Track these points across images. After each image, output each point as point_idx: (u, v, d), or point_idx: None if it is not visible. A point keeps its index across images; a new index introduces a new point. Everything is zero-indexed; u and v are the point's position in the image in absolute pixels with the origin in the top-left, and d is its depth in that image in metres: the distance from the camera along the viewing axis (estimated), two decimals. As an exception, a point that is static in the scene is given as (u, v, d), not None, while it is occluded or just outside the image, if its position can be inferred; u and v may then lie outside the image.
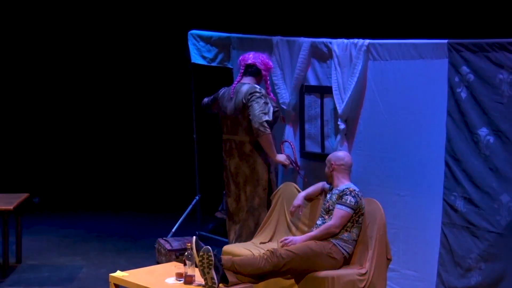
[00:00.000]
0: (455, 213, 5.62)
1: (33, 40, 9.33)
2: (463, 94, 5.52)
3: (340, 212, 5.28)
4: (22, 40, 9.29)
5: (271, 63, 6.33)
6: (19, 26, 9.23)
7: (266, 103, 6.08)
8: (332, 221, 5.29)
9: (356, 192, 5.33)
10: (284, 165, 6.20)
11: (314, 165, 6.48)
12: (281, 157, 6.14)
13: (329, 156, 5.59)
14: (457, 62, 5.52)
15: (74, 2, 9.27)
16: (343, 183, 5.43)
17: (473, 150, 5.48)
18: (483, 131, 5.43)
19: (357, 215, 5.31)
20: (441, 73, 5.61)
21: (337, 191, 5.40)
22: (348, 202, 5.29)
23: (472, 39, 5.49)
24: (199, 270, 4.80)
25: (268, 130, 6.03)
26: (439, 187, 5.68)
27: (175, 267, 5.10)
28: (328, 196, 5.48)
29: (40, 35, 9.34)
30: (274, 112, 6.11)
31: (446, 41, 5.58)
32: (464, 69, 5.49)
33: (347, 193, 5.32)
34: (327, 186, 5.64)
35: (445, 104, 5.62)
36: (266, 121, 6.02)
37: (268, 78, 6.33)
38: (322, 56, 6.38)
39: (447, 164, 5.64)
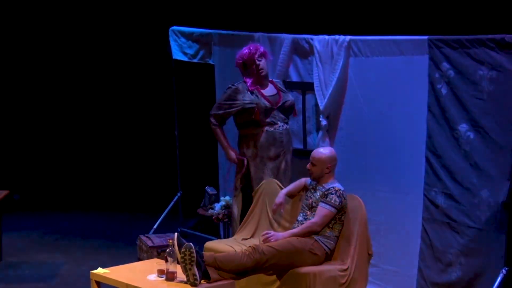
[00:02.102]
0: (436, 209, 5.65)
1: (17, 38, 9.28)
2: (444, 90, 5.55)
3: (324, 211, 5.28)
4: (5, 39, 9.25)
5: (240, 55, 6.13)
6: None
7: (231, 98, 6.06)
8: (315, 219, 5.28)
9: (341, 192, 5.32)
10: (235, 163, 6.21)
11: (296, 161, 6.49)
12: (231, 155, 6.15)
13: (319, 156, 5.39)
14: (438, 58, 5.55)
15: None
16: (330, 181, 5.40)
17: (453, 146, 5.51)
18: (463, 127, 5.46)
19: (340, 213, 5.32)
20: (422, 69, 5.64)
21: (322, 188, 5.39)
22: (333, 201, 5.28)
23: (452, 35, 5.53)
24: (181, 266, 4.79)
25: (213, 125, 6.12)
26: (420, 182, 5.71)
27: (156, 263, 5.09)
28: (311, 192, 5.48)
29: (21, 31, 9.29)
30: (247, 109, 6.05)
31: (426, 37, 5.61)
32: (445, 65, 5.52)
33: (333, 192, 5.31)
34: (308, 181, 5.63)
35: (426, 100, 5.65)
36: (214, 114, 6.11)
37: (244, 70, 6.14)
38: (304, 52, 6.40)
39: (427, 160, 5.67)
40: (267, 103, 6.08)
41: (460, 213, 5.51)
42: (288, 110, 6.16)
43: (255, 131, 6.13)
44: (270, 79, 6.23)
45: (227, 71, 7.10)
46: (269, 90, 6.16)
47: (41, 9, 9.24)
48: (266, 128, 6.09)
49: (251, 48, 6.12)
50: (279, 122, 6.11)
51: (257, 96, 6.10)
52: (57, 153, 9.54)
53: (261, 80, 6.13)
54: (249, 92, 6.09)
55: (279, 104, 6.11)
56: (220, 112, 6.11)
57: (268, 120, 6.09)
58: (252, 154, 6.12)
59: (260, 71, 6.08)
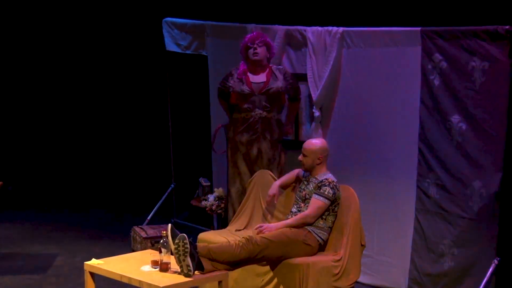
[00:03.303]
0: (428, 199, 5.67)
1: (14, 34, 9.26)
2: (436, 81, 5.57)
3: (317, 202, 5.28)
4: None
5: (244, 37, 6.27)
6: None
7: (225, 78, 6.31)
8: (308, 211, 5.29)
9: (335, 184, 5.32)
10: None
11: (289, 152, 6.51)
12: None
13: (310, 147, 5.40)
14: (430, 50, 5.56)
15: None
16: (322, 173, 5.41)
17: (445, 137, 5.53)
18: (455, 118, 5.48)
19: (333, 204, 5.33)
20: (415, 61, 5.65)
21: (315, 180, 5.39)
22: (326, 193, 5.28)
23: (445, 26, 5.54)
24: (174, 257, 4.80)
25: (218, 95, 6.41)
26: (413, 173, 5.73)
27: (150, 254, 5.10)
28: (304, 183, 5.48)
29: (17, 27, 9.27)
30: (230, 93, 6.23)
31: (419, 28, 5.62)
32: (437, 56, 5.53)
33: (326, 184, 5.31)
34: (301, 173, 5.64)
35: (419, 91, 5.66)
36: (218, 87, 6.38)
37: (244, 53, 6.22)
38: (297, 43, 6.40)
39: (420, 151, 5.69)
40: (246, 89, 6.11)
41: (453, 204, 5.53)
42: (273, 98, 6.13)
43: (236, 116, 6.22)
44: (271, 65, 6.23)
45: (220, 62, 7.10)
46: (259, 77, 6.17)
47: (36, 2, 9.23)
48: (244, 114, 6.13)
49: (255, 33, 6.21)
50: (256, 109, 6.12)
51: (241, 81, 6.12)
52: (51, 146, 9.53)
53: (254, 66, 6.15)
54: (236, 77, 6.14)
55: (263, 91, 6.11)
56: (219, 86, 6.37)
57: (245, 106, 6.12)
58: (231, 137, 6.23)
59: (254, 55, 6.11)
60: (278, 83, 6.13)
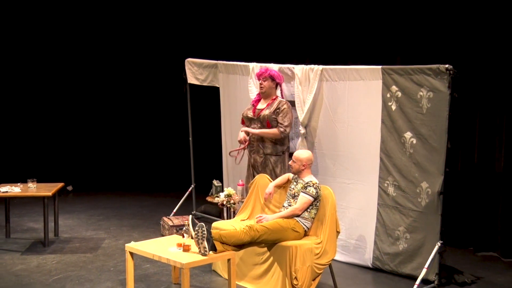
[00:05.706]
0: (387, 196, 5.67)
1: (66, 43, 9.26)
2: (393, 107, 5.57)
3: (304, 199, 5.27)
4: (57, 38, 9.21)
5: (256, 72, 6.20)
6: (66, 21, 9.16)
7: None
8: (297, 205, 5.28)
9: (317, 185, 5.32)
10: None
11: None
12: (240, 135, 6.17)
13: (298, 156, 5.39)
14: (388, 83, 5.57)
15: (105, 29, 9.23)
16: (307, 176, 5.40)
17: (400, 148, 5.54)
18: (408, 134, 5.49)
19: (316, 201, 5.34)
20: (377, 91, 5.65)
21: (302, 181, 5.39)
22: (311, 192, 5.28)
23: (399, 65, 5.55)
24: (194, 241, 4.81)
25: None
26: (375, 176, 5.73)
27: (176, 239, 5.11)
28: (294, 184, 5.49)
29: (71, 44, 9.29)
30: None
31: (380, 66, 5.63)
32: (394, 87, 5.54)
33: (311, 185, 5.30)
34: (291, 176, 5.65)
35: (380, 114, 5.67)
36: None
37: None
38: (287, 77, 6.41)
39: (381, 159, 5.69)
40: (250, 114, 6.11)
41: (406, 200, 5.53)
42: (262, 121, 6.08)
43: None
44: (277, 96, 6.12)
45: (229, 92, 7.12)
46: (262, 105, 6.14)
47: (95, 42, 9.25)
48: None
49: (262, 70, 6.11)
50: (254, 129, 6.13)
51: (251, 107, 6.13)
52: (102, 155, 9.53)
53: (262, 95, 6.14)
54: (250, 104, 6.18)
55: (258, 115, 6.08)
56: None
57: (251, 126, 6.12)
58: None
59: (260, 88, 6.10)
60: (266, 111, 6.06)
